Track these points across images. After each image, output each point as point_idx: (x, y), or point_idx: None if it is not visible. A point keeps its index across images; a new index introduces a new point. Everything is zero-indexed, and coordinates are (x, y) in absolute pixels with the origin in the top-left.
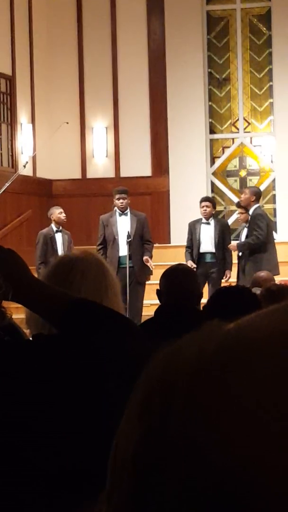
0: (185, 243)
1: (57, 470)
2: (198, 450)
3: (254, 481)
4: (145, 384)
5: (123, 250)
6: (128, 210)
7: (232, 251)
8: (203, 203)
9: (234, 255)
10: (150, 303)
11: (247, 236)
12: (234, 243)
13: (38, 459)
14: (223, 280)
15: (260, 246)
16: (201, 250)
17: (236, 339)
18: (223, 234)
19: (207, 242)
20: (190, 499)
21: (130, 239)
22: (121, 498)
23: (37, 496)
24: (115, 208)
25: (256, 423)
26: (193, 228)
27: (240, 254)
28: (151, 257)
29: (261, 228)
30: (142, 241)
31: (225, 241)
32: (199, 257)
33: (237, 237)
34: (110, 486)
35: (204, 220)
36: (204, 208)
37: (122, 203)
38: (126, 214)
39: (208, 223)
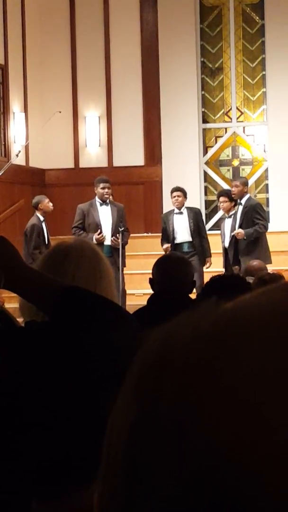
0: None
1: (47, 456)
2: (187, 435)
3: (243, 469)
4: (140, 365)
5: (108, 240)
6: (108, 200)
7: (237, 237)
8: (174, 193)
9: (212, 244)
10: (143, 292)
11: (240, 226)
12: (241, 230)
13: (29, 445)
14: (204, 268)
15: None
16: (177, 241)
17: (231, 319)
18: (197, 221)
19: (183, 232)
20: (180, 484)
21: (123, 228)
22: (115, 480)
23: (26, 482)
24: (95, 198)
25: (244, 408)
26: (166, 220)
27: (227, 244)
28: (125, 242)
29: (264, 218)
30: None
31: (200, 228)
32: (176, 248)
33: (216, 227)
34: (104, 468)
35: (176, 210)
36: (176, 197)
37: (107, 192)
38: (107, 204)
39: (181, 213)
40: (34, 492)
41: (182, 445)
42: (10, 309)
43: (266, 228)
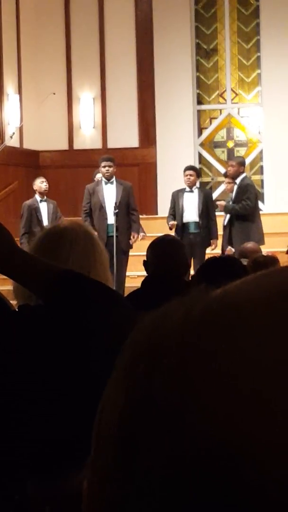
0: None
1: (41, 439)
2: (181, 419)
3: (241, 453)
4: (131, 350)
5: (111, 218)
6: (114, 178)
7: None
8: (187, 172)
9: (219, 225)
10: (137, 274)
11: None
12: (222, 202)
13: (23, 428)
14: (209, 250)
15: (245, 216)
16: (184, 220)
17: (222, 304)
18: (207, 203)
19: (191, 211)
20: (174, 467)
21: (117, 211)
22: (106, 465)
23: (21, 465)
24: (101, 177)
25: (237, 392)
26: (176, 197)
27: (225, 223)
28: (138, 230)
29: (250, 199)
30: (127, 210)
31: (209, 210)
32: (182, 228)
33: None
34: (95, 453)
35: (187, 189)
36: (188, 176)
37: (108, 170)
38: (112, 183)
39: (192, 191)
40: (30, 474)
41: (178, 428)
42: (4, 291)
43: (247, 210)
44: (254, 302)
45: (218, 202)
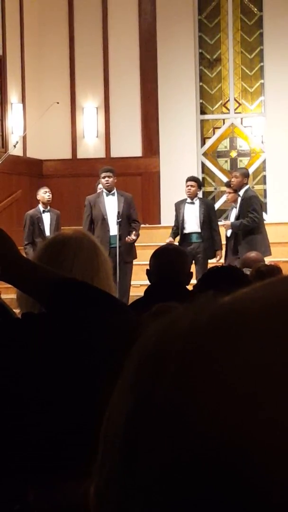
0: None
1: (43, 447)
2: (185, 422)
3: (241, 455)
4: (138, 355)
5: (113, 229)
6: (115, 190)
7: (224, 229)
8: (188, 183)
9: (222, 235)
10: (140, 283)
11: (237, 217)
12: (227, 222)
13: (24, 435)
14: (214, 260)
15: (253, 228)
16: (186, 231)
17: (229, 312)
18: (209, 213)
19: (192, 222)
20: (179, 470)
21: (120, 219)
22: (112, 470)
23: (22, 473)
24: (102, 188)
25: (238, 395)
26: (178, 208)
27: (229, 234)
28: (136, 235)
29: (256, 210)
30: (129, 221)
31: (211, 220)
32: (184, 238)
33: (226, 218)
34: (101, 458)
35: (188, 200)
36: (189, 187)
37: (107, 181)
38: (113, 194)
39: (193, 203)
40: (31, 482)
41: (178, 429)
42: (7, 300)
43: (255, 222)
44: (260, 308)
45: (223, 223)
